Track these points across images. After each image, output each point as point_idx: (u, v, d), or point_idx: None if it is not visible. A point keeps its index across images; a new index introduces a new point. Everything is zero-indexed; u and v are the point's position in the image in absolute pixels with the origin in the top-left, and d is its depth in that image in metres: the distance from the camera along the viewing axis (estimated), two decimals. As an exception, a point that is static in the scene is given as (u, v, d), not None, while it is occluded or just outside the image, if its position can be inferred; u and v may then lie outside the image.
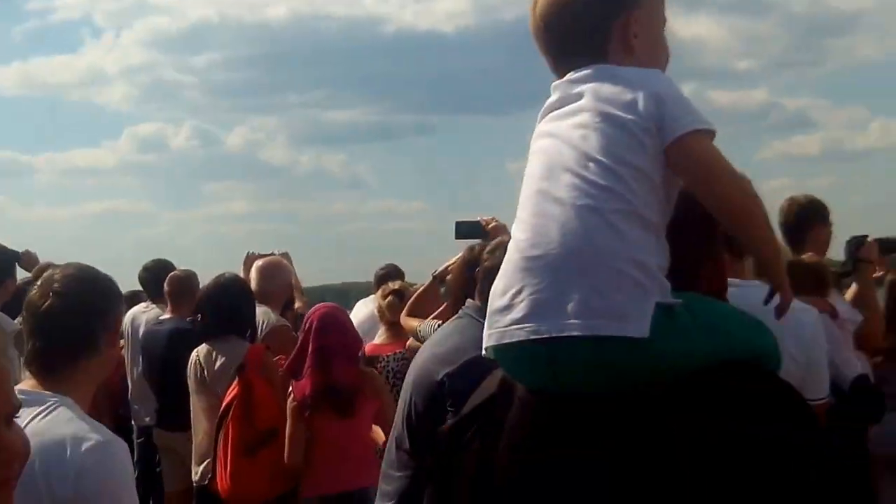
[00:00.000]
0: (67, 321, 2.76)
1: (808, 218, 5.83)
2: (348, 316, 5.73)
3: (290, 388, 5.35)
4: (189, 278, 7.35)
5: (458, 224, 5.63)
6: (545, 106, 2.07)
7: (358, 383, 5.34)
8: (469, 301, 3.84)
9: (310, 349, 5.31)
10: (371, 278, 8.15)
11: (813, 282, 5.19)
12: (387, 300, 6.76)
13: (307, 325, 5.41)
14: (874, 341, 5.65)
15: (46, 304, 2.75)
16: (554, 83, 2.07)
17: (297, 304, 7.22)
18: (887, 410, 5.06)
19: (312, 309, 5.64)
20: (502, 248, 3.30)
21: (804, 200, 5.88)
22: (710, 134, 1.93)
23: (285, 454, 5.27)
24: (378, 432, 5.43)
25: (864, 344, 5.56)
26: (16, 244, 7.56)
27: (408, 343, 6.16)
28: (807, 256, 5.50)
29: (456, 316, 3.83)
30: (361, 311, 7.56)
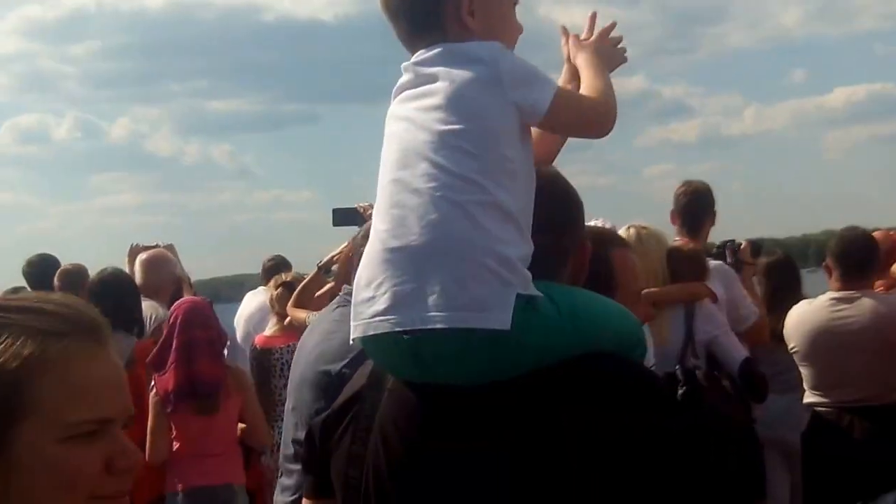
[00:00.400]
0: None
1: (707, 204, 5.94)
2: (213, 310, 5.65)
3: (153, 382, 5.25)
4: (79, 272, 7.16)
5: (335, 212, 5.57)
6: (397, 85, 2.05)
7: (222, 379, 5.26)
8: (345, 287, 3.83)
9: (174, 343, 5.21)
10: (264, 269, 8.06)
11: (692, 269, 5.29)
12: (277, 292, 6.73)
13: (172, 319, 5.31)
14: (762, 337, 5.78)
15: None
16: (404, 64, 2.05)
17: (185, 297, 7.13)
18: (771, 392, 5.19)
19: (178, 303, 5.54)
20: None
21: (702, 187, 5.98)
22: (558, 88, 1.99)
23: (147, 450, 5.16)
24: (240, 427, 5.38)
25: (751, 340, 5.70)
26: None
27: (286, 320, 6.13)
28: (683, 244, 5.61)
29: (336, 304, 3.80)
30: (251, 303, 7.49)
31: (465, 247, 1.83)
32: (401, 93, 2.04)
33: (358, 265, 3.57)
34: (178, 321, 5.25)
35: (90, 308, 1.47)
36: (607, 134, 2.11)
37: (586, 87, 2.12)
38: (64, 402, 1.37)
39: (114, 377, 1.44)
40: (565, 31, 2.30)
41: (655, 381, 2.00)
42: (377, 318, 1.88)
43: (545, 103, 1.94)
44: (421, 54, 2.02)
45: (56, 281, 7.15)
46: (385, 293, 1.88)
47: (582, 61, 2.20)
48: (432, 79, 1.97)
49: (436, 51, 2.00)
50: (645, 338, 2.06)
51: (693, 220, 5.83)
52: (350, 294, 3.70)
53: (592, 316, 1.94)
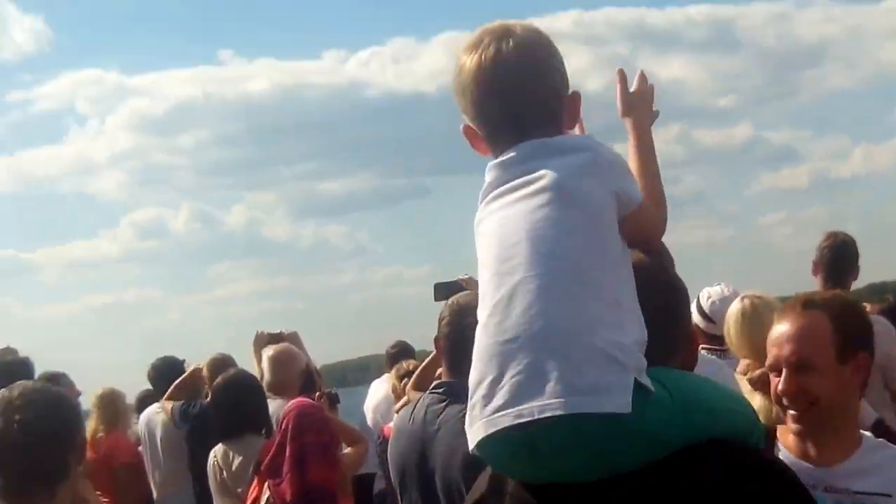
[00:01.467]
0: (36, 454, 2.66)
1: (852, 257, 5.76)
2: (325, 412, 5.53)
3: (267, 489, 5.03)
4: (226, 361, 7.24)
5: (436, 287, 5.29)
6: (485, 186, 2.00)
7: (336, 485, 5.06)
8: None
9: (287, 450, 4.99)
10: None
11: None
12: (402, 382, 6.60)
13: (283, 425, 5.09)
14: None
15: (10, 437, 2.64)
16: (492, 163, 2.00)
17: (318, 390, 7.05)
18: None
19: (288, 406, 5.38)
20: (460, 312, 3.16)
21: (847, 239, 5.79)
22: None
23: None
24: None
25: None
26: (22, 345, 7.42)
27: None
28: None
29: (443, 399, 3.52)
30: (378, 392, 7.43)
31: (576, 333, 1.79)
32: (490, 191, 2.00)
33: (445, 349, 3.39)
34: (290, 426, 5.10)
35: None
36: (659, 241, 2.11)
37: (642, 185, 2.07)
38: None
39: None
40: (622, 76, 2.27)
41: (780, 469, 1.92)
42: (497, 414, 1.81)
43: (638, 196, 1.95)
44: (515, 152, 1.98)
45: (206, 372, 7.30)
46: (503, 387, 1.81)
47: (632, 126, 2.22)
48: (531, 170, 1.94)
49: (532, 144, 1.97)
50: (760, 422, 2.00)
51: (837, 274, 5.63)
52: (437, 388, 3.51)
53: (704, 402, 1.87)
